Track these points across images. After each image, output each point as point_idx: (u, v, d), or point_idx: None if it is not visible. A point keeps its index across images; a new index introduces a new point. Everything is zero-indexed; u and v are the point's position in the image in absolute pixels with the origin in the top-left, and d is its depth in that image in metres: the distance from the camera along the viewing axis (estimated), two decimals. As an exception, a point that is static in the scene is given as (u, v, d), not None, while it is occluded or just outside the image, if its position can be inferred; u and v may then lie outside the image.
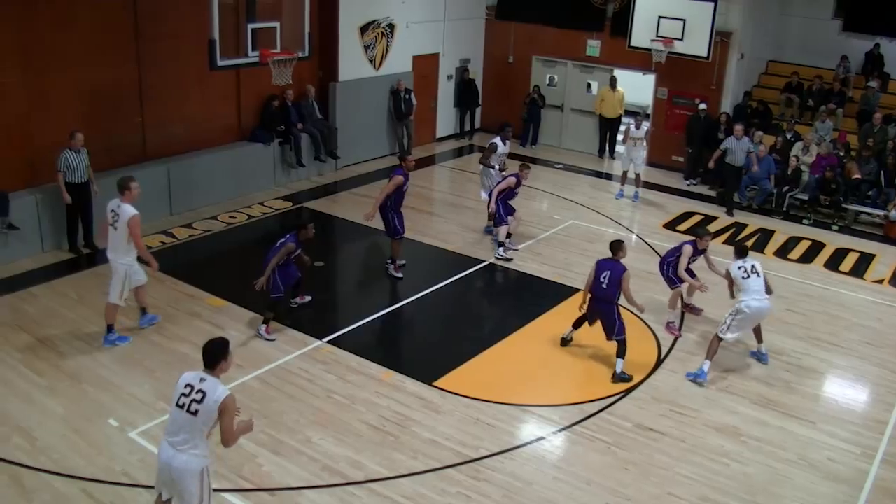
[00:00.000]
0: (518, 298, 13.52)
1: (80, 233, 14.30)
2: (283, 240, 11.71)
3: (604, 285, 11.00)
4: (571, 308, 12.80)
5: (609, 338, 11.14)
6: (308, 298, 12.80)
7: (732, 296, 11.50)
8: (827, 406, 10.71)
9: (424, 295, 13.35)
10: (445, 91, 22.74)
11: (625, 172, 18.95)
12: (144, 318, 11.90)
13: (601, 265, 11.12)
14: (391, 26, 20.33)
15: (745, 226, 17.11)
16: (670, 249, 12.78)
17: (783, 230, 17.00)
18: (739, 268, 11.27)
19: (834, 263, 15.46)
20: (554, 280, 13.93)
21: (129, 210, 10.87)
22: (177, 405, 6.84)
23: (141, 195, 11.25)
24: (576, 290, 13.45)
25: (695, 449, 9.55)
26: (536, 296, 13.44)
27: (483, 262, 14.61)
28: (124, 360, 10.90)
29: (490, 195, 14.98)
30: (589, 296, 11.29)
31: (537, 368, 11.29)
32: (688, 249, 12.34)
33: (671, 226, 16.97)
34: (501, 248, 14.75)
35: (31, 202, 13.86)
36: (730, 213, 17.83)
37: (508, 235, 14.93)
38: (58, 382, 10.31)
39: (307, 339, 11.58)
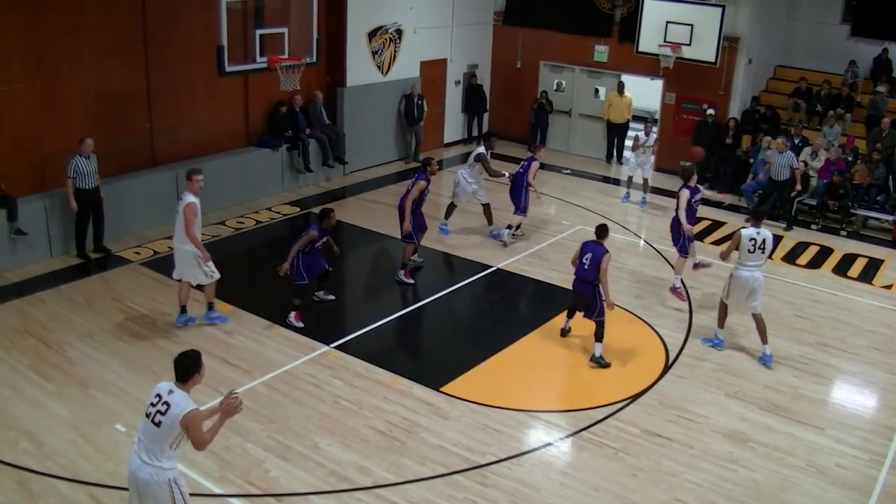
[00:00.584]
0: (525, 304, 13.51)
1: (90, 237, 14.36)
2: (307, 229, 11.89)
3: (585, 266, 11.34)
4: (580, 313, 12.82)
5: (588, 316, 11.49)
6: (332, 297, 12.92)
7: (724, 258, 11.76)
8: (835, 412, 10.67)
9: (432, 300, 13.35)
10: (453, 96, 22.76)
11: (631, 178, 18.97)
12: (182, 316, 12.04)
13: (585, 246, 11.46)
14: (399, 32, 20.35)
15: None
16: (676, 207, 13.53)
17: (791, 235, 16.96)
18: (751, 239, 11.40)
19: (842, 269, 15.42)
20: (561, 285, 13.88)
21: (187, 198, 11.41)
22: (145, 415, 6.77)
23: (202, 188, 11.79)
24: (583, 296, 13.48)
25: (703, 455, 9.52)
26: (544, 301, 13.44)
27: (491, 267, 14.60)
28: (132, 364, 10.91)
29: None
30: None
31: (545, 374, 11.28)
32: (685, 194, 13.20)
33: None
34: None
35: (39, 207, 13.89)
36: (788, 227, 17.47)
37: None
38: (65, 387, 10.33)
39: (314, 345, 11.58)
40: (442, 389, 10.60)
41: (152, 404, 6.74)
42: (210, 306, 12.10)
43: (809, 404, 10.71)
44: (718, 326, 12.08)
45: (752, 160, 18.73)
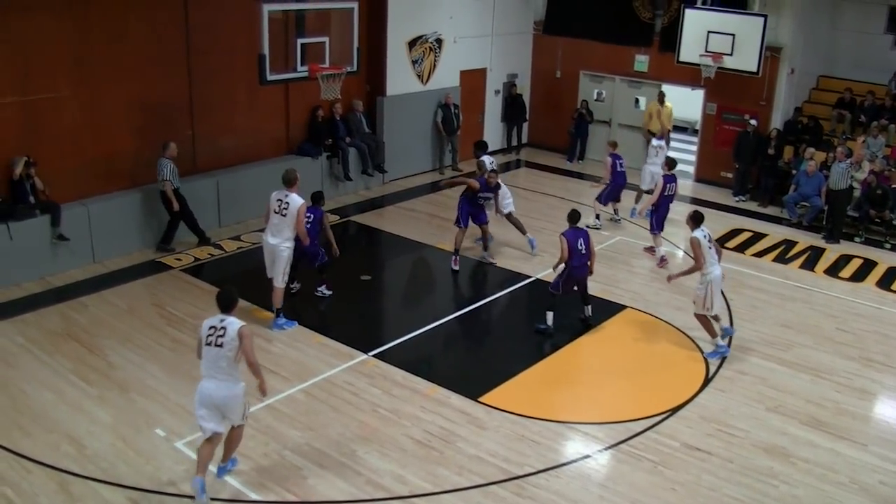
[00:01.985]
0: (564, 315, 13.43)
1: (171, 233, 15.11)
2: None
3: (583, 251, 12.12)
4: (619, 325, 12.78)
5: (588, 301, 12.61)
6: (330, 293, 13.20)
7: (702, 268, 11.74)
8: (879, 428, 10.50)
9: (470, 310, 13.33)
10: (493, 106, 22.75)
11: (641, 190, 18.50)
12: (279, 321, 12.32)
13: (573, 235, 12.10)
14: (439, 41, 20.40)
15: (794, 243, 16.87)
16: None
17: (834, 248, 16.73)
18: (705, 237, 11.82)
19: (887, 282, 15.16)
20: (601, 296, 13.82)
21: (297, 199, 11.86)
22: (206, 344, 8.20)
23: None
24: (623, 307, 13.42)
25: (743, 470, 9.41)
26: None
27: (529, 277, 14.56)
28: (172, 370, 11.00)
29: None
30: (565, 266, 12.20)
31: (583, 385, 11.23)
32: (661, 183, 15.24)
33: (719, 242, 16.63)
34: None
35: (82, 213, 14.06)
36: (834, 239, 17.15)
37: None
38: (107, 391, 10.45)
39: (353, 353, 11.60)
40: (480, 399, 10.57)
41: (210, 335, 8.20)
42: (278, 312, 12.37)
43: (852, 420, 10.55)
44: (713, 337, 11.99)
45: (794, 171, 18.52)
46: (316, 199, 12.86)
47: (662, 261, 15.38)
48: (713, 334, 11.99)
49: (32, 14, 13.45)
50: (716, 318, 12.11)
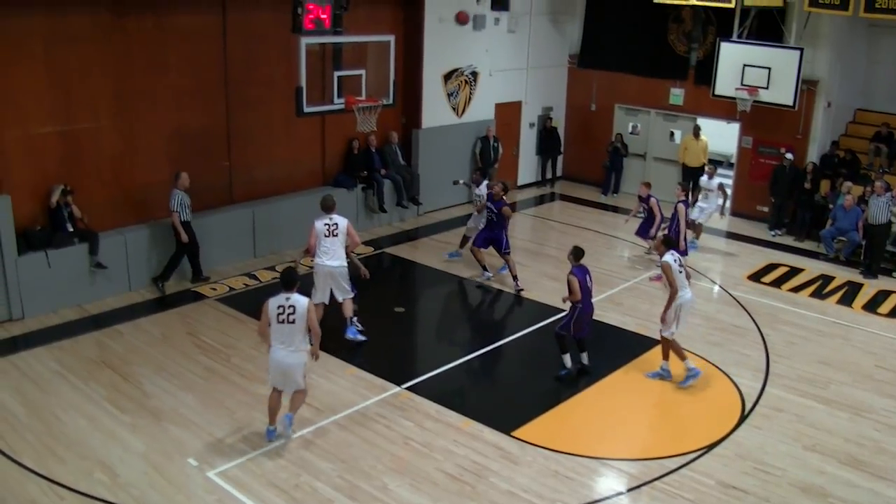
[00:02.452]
0: (599, 349, 13.32)
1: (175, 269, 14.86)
2: None
3: (591, 287, 12.05)
4: (654, 360, 12.65)
5: (585, 348, 12.29)
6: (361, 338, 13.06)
7: (674, 295, 11.78)
8: (920, 468, 10.30)
9: (504, 343, 13.28)
10: (528, 138, 22.79)
11: (699, 227, 18.47)
12: (351, 328, 12.87)
13: (581, 273, 11.79)
14: (474, 74, 20.50)
15: (831, 278, 16.67)
16: (671, 219, 16.18)
17: (872, 283, 16.51)
18: (675, 261, 11.92)
19: (927, 319, 14.95)
20: (635, 331, 13.73)
21: (343, 219, 12.44)
22: (279, 322, 9.61)
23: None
24: (657, 342, 13.28)
25: (780, 509, 9.26)
26: (618, 347, 13.25)
27: (563, 311, 14.46)
28: (206, 399, 11.04)
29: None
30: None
31: (617, 421, 11.11)
32: (681, 208, 15.98)
33: (755, 277, 16.63)
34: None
35: (119, 242, 14.21)
36: (872, 274, 16.92)
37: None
38: (140, 419, 10.49)
39: (386, 385, 11.58)
40: (513, 434, 10.49)
41: (280, 314, 9.62)
42: (351, 320, 12.90)
43: (892, 459, 10.33)
44: (682, 359, 12.03)
45: (831, 206, 18.34)
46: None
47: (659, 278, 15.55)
48: (682, 357, 12.03)
49: (74, 45, 13.71)
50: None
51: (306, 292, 10.68)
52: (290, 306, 9.55)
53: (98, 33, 13.99)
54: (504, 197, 15.40)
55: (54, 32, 13.45)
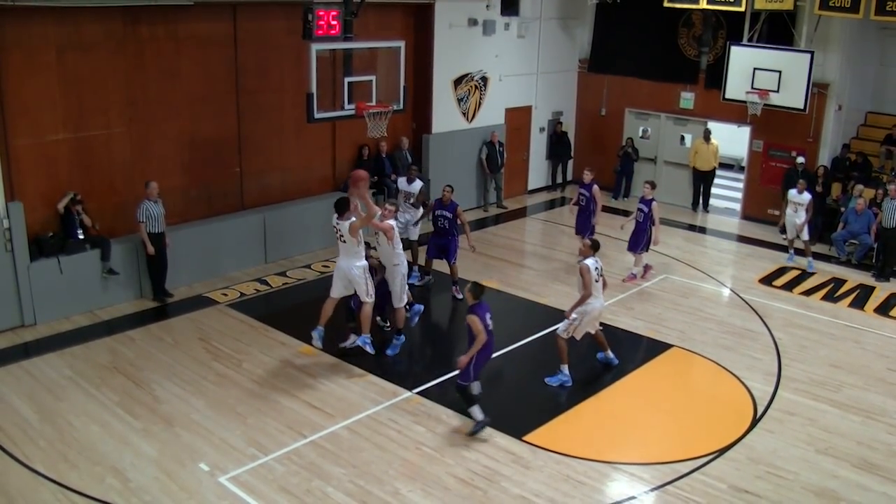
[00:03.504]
0: (611, 353, 13.34)
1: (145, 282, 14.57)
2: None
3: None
4: (665, 363, 12.65)
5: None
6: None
7: (586, 298, 11.86)
8: (934, 472, 10.25)
9: (515, 348, 13.26)
10: (538, 143, 22.79)
11: (791, 241, 17.80)
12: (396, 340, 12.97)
13: (482, 310, 10.55)
14: (484, 79, 20.53)
15: (843, 281, 16.60)
16: (644, 216, 15.87)
17: (884, 286, 16.45)
18: (595, 269, 11.94)
19: (940, 322, 14.88)
20: (647, 335, 13.71)
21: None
22: (338, 240, 11.73)
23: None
24: (669, 346, 13.27)
25: (793, 513, 9.23)
26: (629, 351, 13.22)
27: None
28: (217, 404, 11.07)
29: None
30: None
31: (629, 425, 11.09)
32: (655, 206, 15.80)
33: (767, 281, 16.58)
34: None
35: (131, 248, 14.26)
36: (885, 277, 16.85)
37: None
38: (152, 425, 10.53)
39: (397, 390, 11.59)
40: (524, 438, 10.49)
41: (336, 235, 11.75)
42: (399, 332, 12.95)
43: (906, 463, 10.32)
44: (563, 363, 12.04)
45: (842, 209, 18.28)
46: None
47: (633, 277, 16.28)
48: (563, 360, 12.04)
49: (87, 53, 13.80)
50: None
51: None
52: (338, 230, 11.60)
53: (110, 42, 14.08)
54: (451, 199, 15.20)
55: (67, 41, 13.55)
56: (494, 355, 12.76)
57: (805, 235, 17.22)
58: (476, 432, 10.49)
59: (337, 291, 12.24)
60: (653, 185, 16.37)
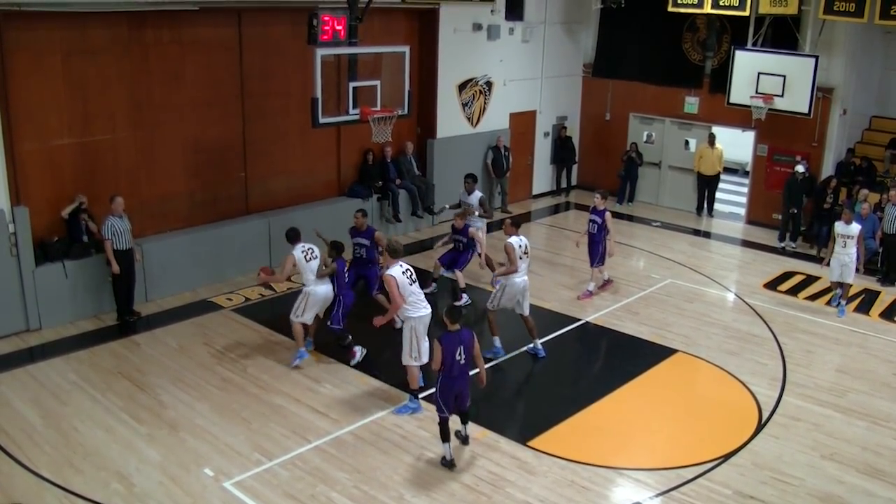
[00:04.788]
0: (615, 358, 13.33)
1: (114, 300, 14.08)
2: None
3: (465, 358, 9.91)
4: (670, 369, 12.64)
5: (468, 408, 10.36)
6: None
7: (511, 272, 12.33)
8: (940, 478, 10.22)
9: (519, 353, 13.25)
10: (542, 148, 22.81)
11: (835, 283, 15.42)
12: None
13: (449, 340, 9.66)
14: (489, 84, 20.54)
15: (848, 286, 16.56)
16: (598, 226, 15.15)
17: (889, 291, 16.42)
18: (520, 246, 12.38)
19: (945, 328, 14.84)
20: (651, 340, 13.69)
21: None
22: (306, 260, 12.09)
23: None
24: (674, 351, 13.26)
25: (798, 519, 9.21)
26: (634, 356, 13.22)
27: (579, 320, 14.47)
28: (222, 410, 11.07)
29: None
30: None
31: (634, 430, 11.07)
32: (608, 216, 15.14)
33: (772, 286, 16.57)
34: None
35: (136, 252, 14.20)
36: (889, 282, 16.82)
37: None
38: (156, 430, 10.54)
39: (401, 395, 11.56)
40: (529, 444, 10.48)
41: (307, 256, 12.11)
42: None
43: (912, 469, 10.29)
44: (494, 335, 12.70)
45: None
46: (339, 249, 12.50)
47: (588, 295, 15.60)
48: (494, 333, 12.72)
49: (93, 58, 13.83)
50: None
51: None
52: (311, 249, 11.97)
53: (116, 46, 14.10)
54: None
55: (73, 45, 13.58)
56: (500, 360, 12.82)
57: (851, 276, 15.23)
58: (446, 464, 9.93)
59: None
60: (604, 196, 15.55)
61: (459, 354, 9.63)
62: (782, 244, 19.20)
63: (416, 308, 10.91)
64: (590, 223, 15.48)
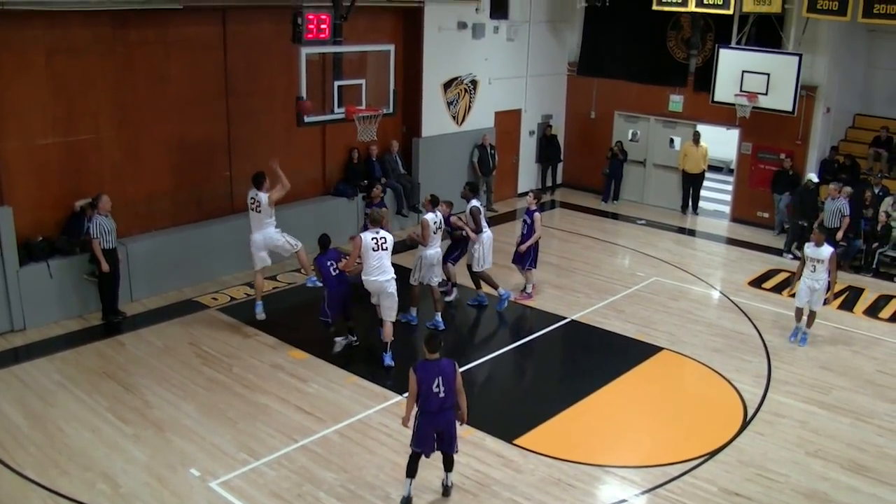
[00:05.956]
0: (600, 356, 13.35)
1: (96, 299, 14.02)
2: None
3: (444, 390, 8.97)
4: (655, 367, 12.68)
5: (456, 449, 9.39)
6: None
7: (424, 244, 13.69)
8: (923, 474, 10.29)
9: (505, 351, 13.28)
10: (527, 146, 22.83)
11: (799, 309, 13.92)
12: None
13: (426, 369, 8.83)
14: (474, 83, 20.55)
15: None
16: (529, 227, 14.89)
17: (873, 288, 16.53)
18: (435, 222, 13.67)
19: (928, 324, 14.94)
20: (637, 338, 13.74)
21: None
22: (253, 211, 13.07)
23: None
24: (659, 349, 13.30)
25: (783, 515, 9.26)
26: (619, 354, 13.26)
27: (565, 318, 14.50)
28: (208, 409, 11.05)
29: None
30: None
31: (619, 428, 11.10)
32: (537, 216, 14.86)
33: (757, 283, 16.64)
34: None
35: (120, 252, 14.06)
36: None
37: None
38: (142, 430, 10.51)
39: (387, 394, 11.59)
40: (515, 442, 10.50)
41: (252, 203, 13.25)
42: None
43: (895, 464, 10.33)
44: (413, 306, 14.05)
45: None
46: (326, 244, 12.88)
47: (527, 296, 15.38)
48: (413, 304, 14.07)
49: (76, 57, 13.77)
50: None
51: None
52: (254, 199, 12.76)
53: (100, 45, 14.04)
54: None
55: (56, 44, 13.50)
56: (485, 358, 12.84)
57: (819, 304, 13.79)
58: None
59: (262, 262, 13.69)
60: (537, 195, 15.37)
61: (438, 386, 8.72)
62: (787, 254, 18.40)
63: (370, 272, 12.18)
64: (522, 223, 15.27)
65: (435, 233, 13.73)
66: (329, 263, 12.61)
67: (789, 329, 14.06)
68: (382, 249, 12.10)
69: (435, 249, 13.87)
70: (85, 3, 13.25)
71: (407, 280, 13.98)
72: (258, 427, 10.65)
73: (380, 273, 12.13)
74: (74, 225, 13.64)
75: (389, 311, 12.36)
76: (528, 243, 14.89)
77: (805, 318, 13.81)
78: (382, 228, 12.31)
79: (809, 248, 13.55)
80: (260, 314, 13.74)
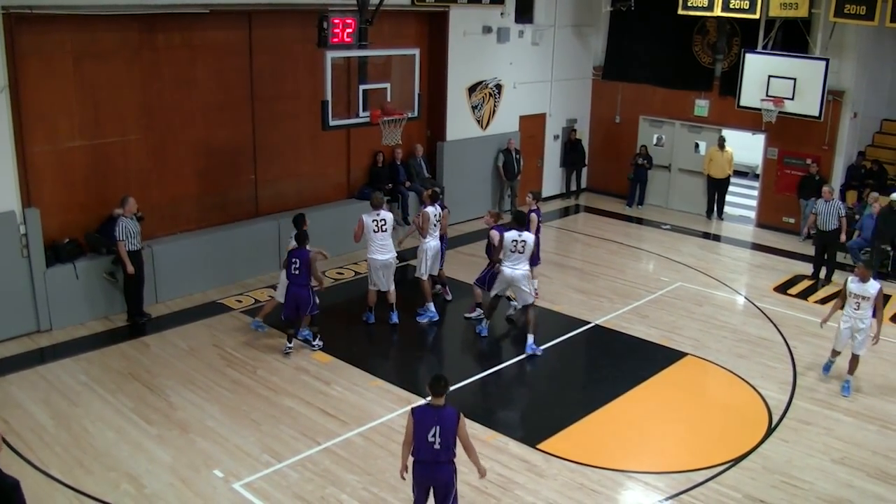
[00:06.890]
0: (625, 361, 13.29)
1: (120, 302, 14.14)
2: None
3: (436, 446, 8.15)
4: (679, 372, 12.61)
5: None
6: (316, 344, 13.12)
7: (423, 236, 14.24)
8: (951, 482, 10.18)
9: (529, 355, 13.24)
10: (552, 151, 22.79)
11: (836, 352, 12.70)
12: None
13: (424, 414, 8.04)
14: (499, 87, 20.55)
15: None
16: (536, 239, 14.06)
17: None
18: (435, 215, 14.14)
19: (956, 331, 14.75)
20: (661, 343, 13.68)
21: (389, 214, 14.10)
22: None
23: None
24: (684, 355, 13.23)
25: (808, 523, 9.18)
26: (643, 359, 13.19)
27: (589, 323, 14.45)
28: (231, 411, 11.10)
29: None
30: None
31: (643, 433, 11.05)
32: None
33: (782, 289, 16.52)
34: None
35: (146, 254, 14.16)
36: (825, 278, 16.98)
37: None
38: (167, 431, 10.56)
39: (411, 398, 11.57)
40: (539, 446, 10.47)
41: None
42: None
43: (922, 473, 10.25)
44: (428, 301, 14.40)
45: (857, 216, 18.17)
46: (301, 239, 12.85)
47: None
48: (427, 300, 14.39)
49: (104, 61, 13.89)
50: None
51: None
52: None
53: (127, 50, 14.16)
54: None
55: (84, 49, 13.63)
56: (509, 362, 12.82)
57: (863, 348, 12.29)
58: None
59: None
60: (535, 196, 15.12)
61: (434, 436, 7.86)
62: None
63: (373, 251, 13.73)
64: None
65: (435, 225, 14.28)
66: (293, 261, 12.60)
67: (815, 335, 13.86)
68: (382, 231, 13.69)
69: (435, 241, 14.40)
70: (112, 6, 13.36)
71: (412, 281, 14.42)
72: (281, 429, 10.68)
73: (384, 252, 13.73)
74: (111, 228, 13.67)
75: (390, 282, 13.96)
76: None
77: (841, 355, 12.50)
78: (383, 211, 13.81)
79: (854, 284, 12.08)
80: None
